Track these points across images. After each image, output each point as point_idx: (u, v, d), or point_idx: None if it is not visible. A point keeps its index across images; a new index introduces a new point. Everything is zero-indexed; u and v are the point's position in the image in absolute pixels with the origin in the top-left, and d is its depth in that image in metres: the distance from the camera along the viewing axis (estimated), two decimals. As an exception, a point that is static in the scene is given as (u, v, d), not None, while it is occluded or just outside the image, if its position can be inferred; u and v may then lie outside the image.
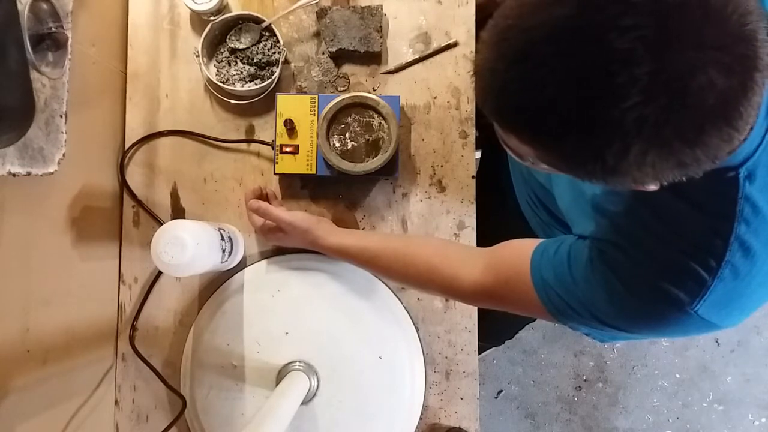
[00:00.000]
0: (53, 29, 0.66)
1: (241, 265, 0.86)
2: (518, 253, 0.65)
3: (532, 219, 0.93)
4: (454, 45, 0.87)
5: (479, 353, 0.86)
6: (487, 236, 0.82)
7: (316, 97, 0.82)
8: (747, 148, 0.45)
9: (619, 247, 0.55)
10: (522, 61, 0.39)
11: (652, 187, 0.43)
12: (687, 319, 0.51)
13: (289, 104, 0.82)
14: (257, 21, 0.85)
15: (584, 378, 1.74)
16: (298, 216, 0.79)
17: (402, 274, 0.75)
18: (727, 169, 0.46)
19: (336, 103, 0.79)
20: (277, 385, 0.79)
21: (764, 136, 0.45)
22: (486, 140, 1.00)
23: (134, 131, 0.88)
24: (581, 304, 0.57)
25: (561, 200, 0.72)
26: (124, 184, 0.88)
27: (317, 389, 0.80)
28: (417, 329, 0.85)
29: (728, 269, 0.48)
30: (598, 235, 0.58)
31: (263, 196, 0.84)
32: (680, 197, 0.49)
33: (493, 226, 0.86)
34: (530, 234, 0.94)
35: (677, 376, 1.74)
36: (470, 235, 0.86)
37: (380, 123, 0.81)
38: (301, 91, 0.87)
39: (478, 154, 1.02)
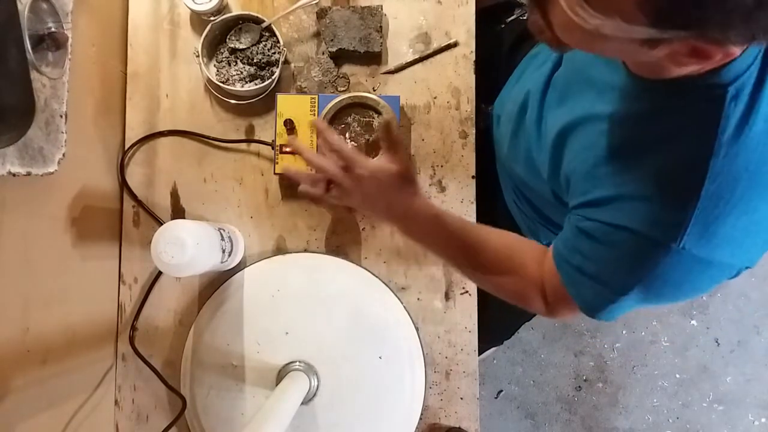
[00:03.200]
0: (53, 29, 0.66)
1: (241, 265, 0.86)
2: (551, 271, 0.65)
3: (518, 217, 0.94)
4: (454, 45, 0.87)
5: (479, 353, 0.86)
6: None
7: (316, 97, 0.82)
8: (738, 65, 0.45)
9: (594, 205, 0.56)
10: None
11: (736, 50, 0.41)
12: (679, 259, 0.50)
13: (289, 104, 0.82)
14: (257, 21, 0.85)
15: (584, 378, 1.74)
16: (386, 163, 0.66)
17: (481, 267, 0.69)
18: (716, 86, 0.46)
19: (336, 103, 0.79)
20: (277, 385, 0.79)
21: (757, 55, 0.45)
22: (477, 141, 1.00)
23: (134, 131, 0.88)
24: (596, 281, 0.58)
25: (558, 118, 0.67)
26: (124, 184, 0.88)
27: (317, 389, 0.80)
28: (417, 329, 0.85)
29: (707, 197, 0.48)
30: (580, 197, 0.59)
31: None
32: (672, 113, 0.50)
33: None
34: (519, 233, 0.95)
35: (677, 376, 1.74)
36: (470, 235, 0.86)
37: (380, 123, 0.81)
38: (301, 91, 0.87)
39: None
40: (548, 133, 0.68)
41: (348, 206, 0.71)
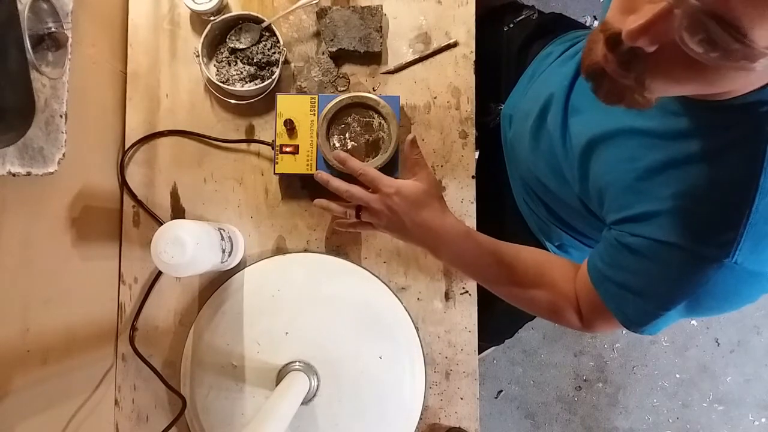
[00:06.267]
0: (53, 29, 0.66)
1: (241, 265, 0.86)
2: (587, 290, 0.65)
3: (529, 217, 0.93)
4: (454, 45, 0.87)
5: (479, 353, 0.86)
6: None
7: (316, 97, 0.82)
8: None
9: (638, 220, 0.55)
10: None
11: None
12: (731, 273, 0.50)
13: (289, 104, 0.82)
14: (257, 21, 0.85)
15: (584, 378, 1.74)
16: (409, 182, 0.68)
17: (515, 282, 0.70)
18: (762, 102, 0.46)
19: (336, 103, 0.79)
20: (277, 385, 0.79)
21: None
22: (484, 140, 1.00)
23: (134, 131, 0.88)
24: (641, 297, 0.58)
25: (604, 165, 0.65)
26: (124, 184, 0.88)
27: (317, 389, 0.80)
28: (417, 329, 0.85)
29: (758, 212, 0.48)
30: (621, 213, 0.58)
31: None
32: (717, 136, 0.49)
33: (492, 226, 0.86)
34: (528, 233, 0.94)
35: (677, 376, 1.74)
36: (470, 235, 0.86)
37: (380, 123, 0.81)
38: (301, 91, 0.87)
39: (476, 155, 1.03)
40: (575, 140, 0.68)
41: (380, 230, 0.72)
